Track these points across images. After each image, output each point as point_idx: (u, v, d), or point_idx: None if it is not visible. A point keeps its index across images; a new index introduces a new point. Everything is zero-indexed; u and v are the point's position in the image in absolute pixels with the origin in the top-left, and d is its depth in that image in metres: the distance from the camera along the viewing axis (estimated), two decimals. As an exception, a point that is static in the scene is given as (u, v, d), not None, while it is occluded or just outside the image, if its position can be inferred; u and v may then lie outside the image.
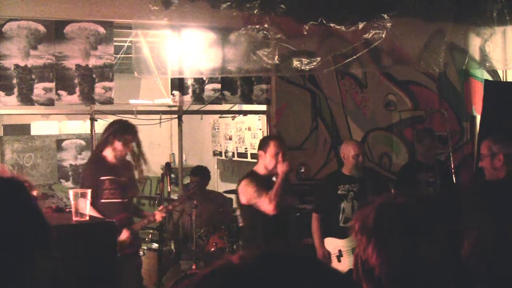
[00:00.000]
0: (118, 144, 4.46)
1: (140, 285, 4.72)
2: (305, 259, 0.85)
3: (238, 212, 4.46)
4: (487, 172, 3.59)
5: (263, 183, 4.20)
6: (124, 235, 4.42)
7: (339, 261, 4.65)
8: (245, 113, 7.39)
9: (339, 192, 4.70)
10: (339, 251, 4.66)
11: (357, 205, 4.64)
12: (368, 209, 1.41)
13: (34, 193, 1.16)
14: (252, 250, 0.85)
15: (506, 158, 3.51)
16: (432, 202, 1.45)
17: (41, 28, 5.34)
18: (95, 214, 4.16)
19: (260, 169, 4.31)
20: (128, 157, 4.66)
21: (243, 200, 4.21)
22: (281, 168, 4.14)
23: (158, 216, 4.54)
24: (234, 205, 5.51)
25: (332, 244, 4.70)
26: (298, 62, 5.80)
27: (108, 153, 4.52)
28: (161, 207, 4.61)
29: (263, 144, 4.34)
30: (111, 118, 6.29)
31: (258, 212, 4.15)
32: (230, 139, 8.32)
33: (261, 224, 4.19)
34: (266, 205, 4.06)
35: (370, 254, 1.36)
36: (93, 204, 4.21)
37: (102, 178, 4.46)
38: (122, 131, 4.50)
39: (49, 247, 1.07)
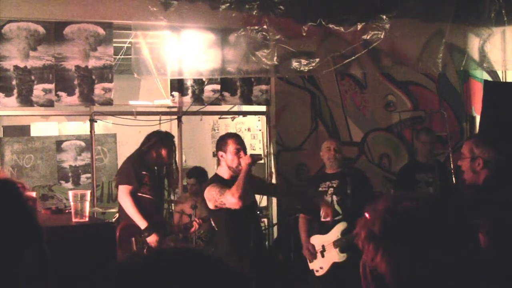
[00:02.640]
0: (163, 151, 4.88)
1: None
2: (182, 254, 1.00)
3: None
4: (466, 175, 3.47)
5: (227, 185, 4.06)
6: (153, 238, 4.61)
7: (322, 256, 4.80)
8: (244, 114, 7.40)
9: (320, 189, 4.89)
10: (322, 247, 4.79)
11: (336, 200, 4.79)
12: (373, 216, 1.37)
13: (33, 194, 1.22)
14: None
15: (486, 163, 3.39)
16: (438, 205, 1.40)
17: (41, 29, 5.34)
18: (132, 207, 4.58)
19: (223, 171, 4.19)
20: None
21: (210, 205, 4.09)
22: (245, 161, 4.03)
23: (196, 223, 4.89)
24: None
25: (316, 241, 4.85)
26: (297, 63, 5.80)
27: (152, 154, 4.88)
28: (197, 218, 4.97)
29: (221, 145, 4.20)
30: (111, 119, 6.32)
31: (227, 214, 4.04)
32: (230, 140, 8.30)
33: (232, 224, 4.07)
34: (230, 199, 3.91)
35: (379, 262, 1.33)
36: (133, 196, 4.67)
37: (144, 172, 4.81)
38: (169, 143, 4.96)
39: (38, 244, 1.12)
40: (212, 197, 4.04)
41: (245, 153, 4.13)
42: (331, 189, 4.85)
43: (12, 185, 1.15)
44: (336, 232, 4.73)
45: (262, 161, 6.25)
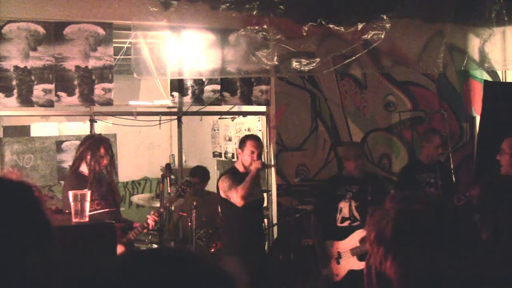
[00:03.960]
0: (93, 159, 4.43)
1: None
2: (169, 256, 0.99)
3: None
4: (504, 168, 3.72)
5: (240, 178, 4.53)
6: (119, 250, 4.21)
7: (338, 263, 4.66)
8: (244, 114, 7.40)
9: (338, 192, 4.78)
10: (337, 253, 4.66)
11: (355, 206, 4.69)
12: (384, 219, 1.32)
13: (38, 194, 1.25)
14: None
15: None
16: (450, 209, 1.35)
17: (41, 29, 5.34)
18: None
19: (239, 166, 4.68)
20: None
21: (222, 194, 4.58)
22: (255, 165, 4.51)
23: (151, 220, 4.43)
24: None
25: (331, 247, 4.72)
26: (297, 63, 5.80)
27: (84, 168, 4.47)
28: (152, 212, 4.52)
29: (241, 143, 4.69)
30: (111, 120, 6.31)
31: (231, 205, 4.50)
32: (230, 140, 8.33)
33: (234, 216, 4.57)
34: (235, 197, 4.41)
35: (389, 267, 1.28)
36: None
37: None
38: (97, 145, 4.47)
39: (43, 246, 1.14)
40: (223, 188, 4.54)
41: (260, 157, 4.60)
42: (350, 193, 4.74)
43: (27, 187, 1.17)
44: (354, 239, 4.58)
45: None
